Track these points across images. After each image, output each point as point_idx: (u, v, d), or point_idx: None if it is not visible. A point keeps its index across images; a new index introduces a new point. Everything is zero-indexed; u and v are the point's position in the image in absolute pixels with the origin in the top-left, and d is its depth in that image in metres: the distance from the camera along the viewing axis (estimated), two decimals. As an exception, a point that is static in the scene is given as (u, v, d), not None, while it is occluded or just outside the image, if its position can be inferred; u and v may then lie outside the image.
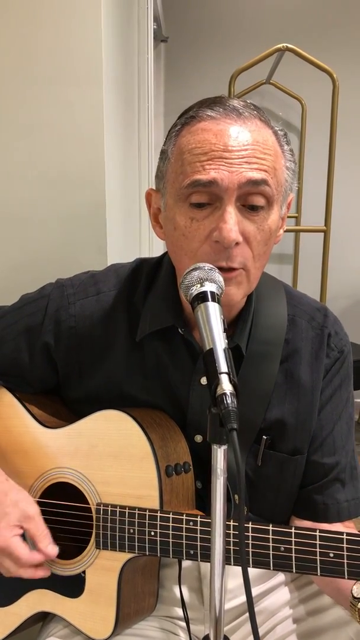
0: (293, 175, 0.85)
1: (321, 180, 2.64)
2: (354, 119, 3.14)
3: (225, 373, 0.62)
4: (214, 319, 0.68)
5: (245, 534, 0.79)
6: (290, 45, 2.37)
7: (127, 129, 1.71)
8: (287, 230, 2.67)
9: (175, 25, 3.21)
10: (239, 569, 0.74)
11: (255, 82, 3.11)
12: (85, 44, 1.26)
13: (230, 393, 0.60)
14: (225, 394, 0.60)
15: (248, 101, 0.83)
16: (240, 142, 0.77)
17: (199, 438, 0.93)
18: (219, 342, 0.65)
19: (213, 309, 0.69)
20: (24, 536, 0.89)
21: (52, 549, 0.88)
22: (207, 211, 0.80)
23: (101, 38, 1.25)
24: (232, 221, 0.77)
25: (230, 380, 0.62)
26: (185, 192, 0.80)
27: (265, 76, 3.04)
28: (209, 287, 0.72)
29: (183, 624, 0.94)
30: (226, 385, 0.61)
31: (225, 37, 3.22)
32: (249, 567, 0.78)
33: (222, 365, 0.63)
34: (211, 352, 0.64)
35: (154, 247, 2.01)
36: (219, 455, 0.62)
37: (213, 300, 0.70)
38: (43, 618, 1.00)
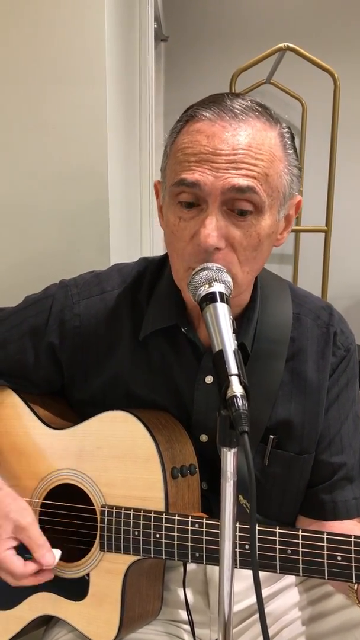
0: (297, 179, 0.83)
1: (322, 180, 2.64)
2: (355, 119, 3.13)
3: (236, 375, 0.62)
4: (223, 320, 0.67)
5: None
6: (291, 45, 2.35)
7: (128, 129, 1.71)
8: (288, 231, 2.67)
9: (176, 25, 3.19)
10: (245, 571, 0.74)
11: (256, 82, 3.10)
12: (88, 44, 1.25)
13: (241, 395, 0.60)
14: (235, 396, 0.60)
15: (254, 100, 0.81)
16: (230, 146, 0.76)
17: (204, 438, 0.93)
18: (229, 343, 0.65)
19: (222, 309, 0.68)
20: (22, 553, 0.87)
21: (49, 558, 0.85)
22: (193, 212, 0.79)
23: (104, 38, 1.25)
24: (211, 226, 0.76)
25: (241, 382, 0.61)
26: (174, 190, 0.79)
27: (266, 76, 3.03)
28: (217, 287, 0.71)
29: (188, 627, 0.93)
30: (237, 388, 0.61)
31: (226, 37, 3.21)
32: None
33: (232, 367, 0.63)
34: (221, 354, 0.64)
35: (155, 246, 2.00)
36: (229, 458, 0.61)
37: (222, 300, 0.70)
38: (46, 622, 0.99)
